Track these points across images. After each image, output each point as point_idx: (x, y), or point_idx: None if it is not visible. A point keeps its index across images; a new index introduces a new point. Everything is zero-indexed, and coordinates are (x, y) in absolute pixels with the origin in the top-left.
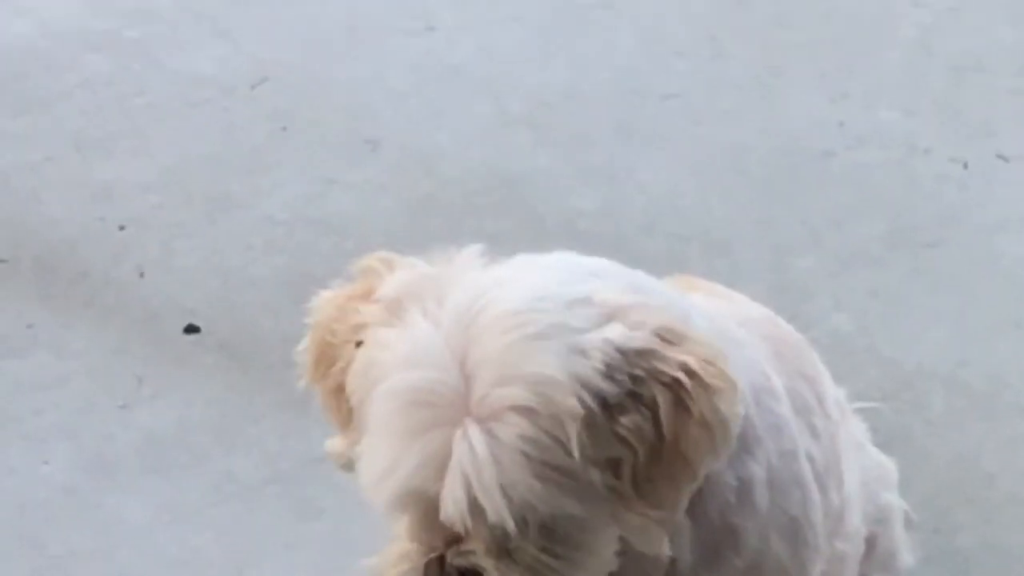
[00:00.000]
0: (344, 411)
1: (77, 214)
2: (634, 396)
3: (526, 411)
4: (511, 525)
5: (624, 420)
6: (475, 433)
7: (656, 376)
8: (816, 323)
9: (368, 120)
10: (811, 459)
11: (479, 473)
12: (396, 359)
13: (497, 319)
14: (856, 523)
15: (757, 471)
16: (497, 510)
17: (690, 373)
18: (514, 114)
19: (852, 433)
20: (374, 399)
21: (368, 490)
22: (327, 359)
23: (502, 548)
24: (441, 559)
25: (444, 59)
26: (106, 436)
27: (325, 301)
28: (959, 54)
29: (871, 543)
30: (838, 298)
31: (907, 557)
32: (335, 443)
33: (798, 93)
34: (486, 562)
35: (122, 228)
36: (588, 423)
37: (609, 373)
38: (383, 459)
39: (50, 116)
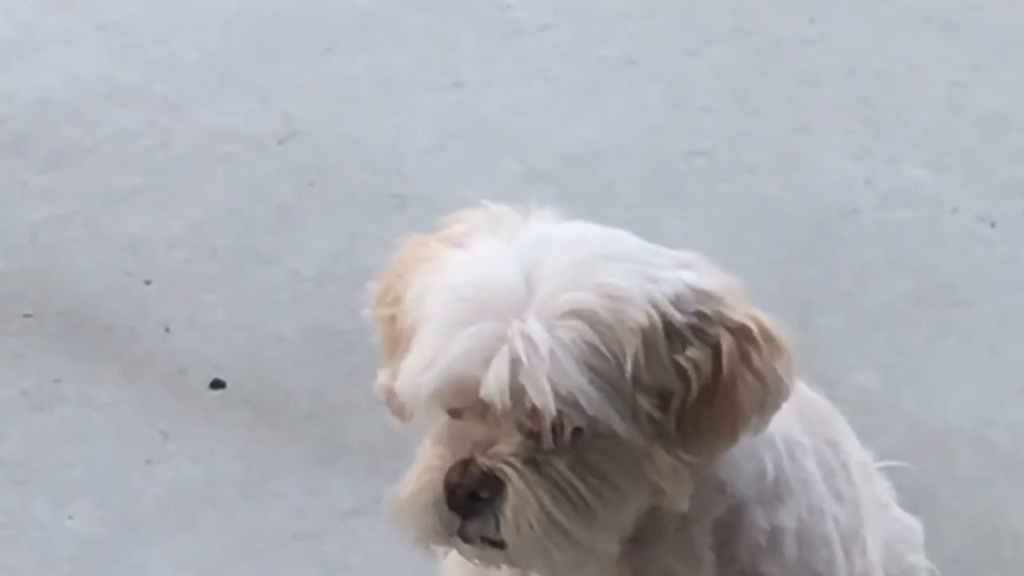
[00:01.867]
0: (392, 338)
1: (103, 268)
2: (698, 332)
3: (590, 316)
4: (552, 409)
5: (686, 350)
6: (533, 323)
7: (723, 320)
8: (842, 381)
9: (394, 175)
10: (836, 520)
11: (530, 359)
12: (457, 264)
13: (571, 241)
14: None
15: (788, 521)
16: (540, 394)
17: (758, 325)
18: (540, 170)
19: (877, 494)
20: (429, 297)
21: (410, 386)
22: (391, 291)
23: (531, 455)
24: (465, 464)
25: (470, 115)
26: (131, 491)
27: (408, 242)
28: (987, 112)
29: None
30: (864, 356)
31: None
32: (382, 375)
33: (825, 150)
34: (510, 467)
35: (148, 283)
36: (648, 342)
37: (678, 304)
38: (429, 348)
39: (77, 170)
